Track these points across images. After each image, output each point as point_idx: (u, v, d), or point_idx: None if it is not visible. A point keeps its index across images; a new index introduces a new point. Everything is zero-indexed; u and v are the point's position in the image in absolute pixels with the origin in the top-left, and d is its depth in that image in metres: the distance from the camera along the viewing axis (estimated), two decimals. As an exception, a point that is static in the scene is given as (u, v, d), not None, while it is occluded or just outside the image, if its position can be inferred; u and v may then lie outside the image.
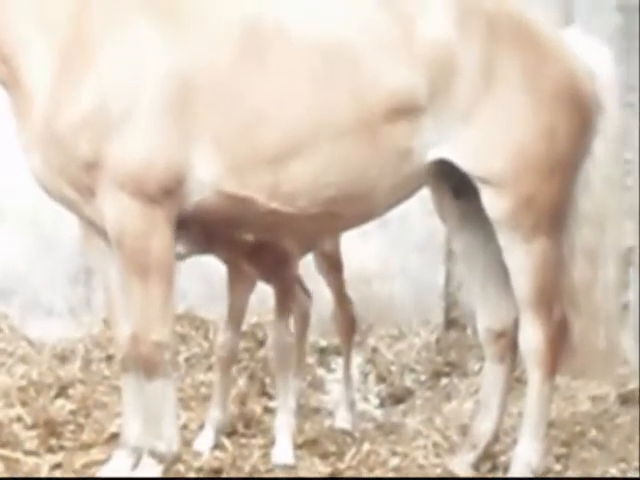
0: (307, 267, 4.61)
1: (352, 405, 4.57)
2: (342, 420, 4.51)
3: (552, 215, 3.77)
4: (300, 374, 4.55)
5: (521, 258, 3.75)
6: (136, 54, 3.52)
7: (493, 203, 3.73)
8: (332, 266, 4.54)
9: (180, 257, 3.74)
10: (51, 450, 4.06)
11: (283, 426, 4.06)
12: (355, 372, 5.14)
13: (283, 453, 4.01)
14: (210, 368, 4.73)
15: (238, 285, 4.14)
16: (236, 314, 4.17)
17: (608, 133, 3.82)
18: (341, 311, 4.60)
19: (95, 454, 3.99)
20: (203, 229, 3.75)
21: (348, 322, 4.62)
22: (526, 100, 3.70)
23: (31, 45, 3.53)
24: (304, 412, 4.60)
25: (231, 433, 4.17)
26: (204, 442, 4.13)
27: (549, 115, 3.71)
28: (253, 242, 3.97)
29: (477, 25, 3.68)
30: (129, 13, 3.54)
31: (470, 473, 4.00)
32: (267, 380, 4.82)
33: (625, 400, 4.74)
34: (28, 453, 4.00)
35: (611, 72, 3.85)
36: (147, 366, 3.63)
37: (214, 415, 4.20)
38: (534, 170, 3.71)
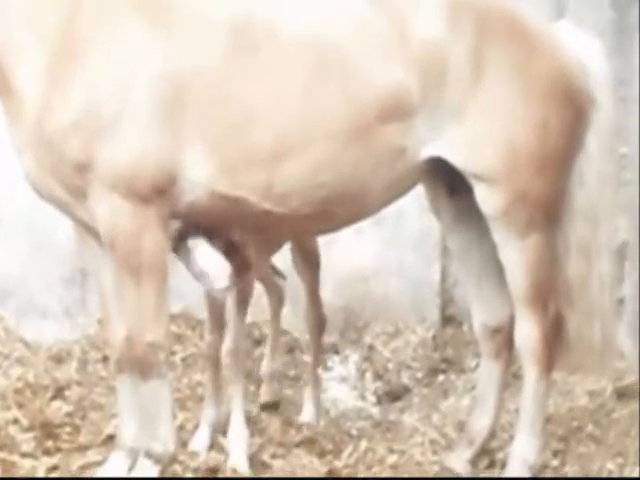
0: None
1: (318, 401, 4.56)
2: (307, 414, 4.50)
3: (546, 210, 3.76)
4: (276, 356, 4.56)
5: (515, 254, 3.75)
6: (126, 55, 3.51)
7: (486, 199, 3.72)
8: (309, 263, 4.53)
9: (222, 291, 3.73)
10: (48, 452, 4.06)
11: (236, 437, 3.97)
12: (352, 370, 5.14)
13: (238, 465, 3.92)
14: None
15: None
16: (216, 313, 4.16)
17: (601, 127, 3.81)
18: (312, 309, 4.57)
19: (92, 456, 3.99)
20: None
21: (318, 321, 4.59)
22: (518, 95, 3.69)
23: (21, 47, 3.52)
24: (299, 410, 4.60)
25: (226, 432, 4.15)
26: (199, 442, 4.13)
27: (541, 110, 3.70)
28: (224, 241, 3.96)
29: (468, 23, 3.67)
30: (120, 15, 3.53)
31: (467, 469, 4.00)
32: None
33: (622, 395, 4.73)
34: (25, 455, 3.99)
35: (603, 66, 3.84)
36: (142, 367, 3.62)
37: (208, 415, 4.19)
38: (527, 165, 3.70)
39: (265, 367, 4.66)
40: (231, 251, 3.93)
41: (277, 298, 4.63)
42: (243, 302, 4.10)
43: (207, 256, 3.68)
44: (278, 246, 4.44)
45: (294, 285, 4.70)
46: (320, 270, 4.57)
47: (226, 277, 3.67)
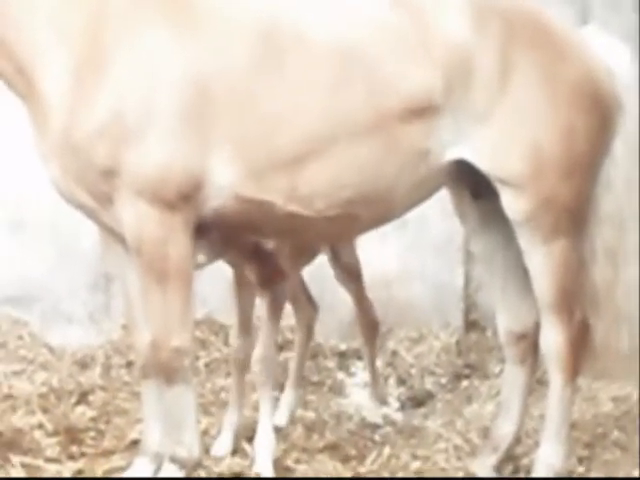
0: (324, 271, 4.62)
1: (381, 402, 4.60)
2: (374, 416, 4.53)
3: (572, 216, 3.75)
4: (298, 385, 4.52)
5: (541, 259, 3.73)
6: (152, 60, 3.52)
7: (512, 204, 3.71)
8: (351, 275, 4.58)
9: (200, 266, 3.73)
10: (72, 457, 4.06)
11: (263, 444, 3.97)
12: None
13: (263, 471, 3.91)
14: (230, 373, 4.72)
15: (245, 289, 4.14)
16: (245, 317, 4.17)
17: (628, 132, 3.79)
18: (364, 316, 4.61)
19: (116, 460, 3.99)
20: (222, 235, 3.75)
21: (371, 326, 4.63)
22: (544, 100, 3.68)
23: (47, 54, 3.53)
24: (323, 417, 4.59)
25: (251, 438, 4.16)
26: (221, 447, 4.13)
27: (568, 115, 3.68)
28: (254, 248, 3.98)
29: (493, 25, 3.66)
30: (145, 19, 3.54)
31: (492, 476, 3.98)
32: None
33: (648, 401, 4.70)
34: (49, 460, 4.00)
35: (630, 70, 3.82)
36: (167, 372, 3.62)
37: (231, 420, 4.19)
38: (553, 170, 3.69)
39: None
40: (263, 259, 3.94)
41: (307, 327, 4.54)
42: (276, 310, 4.09)
43: None
44: (311, 256, 4.43)
45: (317, 291, 4.70)
46: (362, 278, 4.57)
47: (201, 256, 3.67)
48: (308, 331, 4.56)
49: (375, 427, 4.56)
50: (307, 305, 4.55)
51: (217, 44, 3.56)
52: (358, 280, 4.59)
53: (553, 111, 3.68)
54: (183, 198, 3.53)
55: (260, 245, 3.98)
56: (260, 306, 4.17)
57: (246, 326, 4.18)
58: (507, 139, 3.66)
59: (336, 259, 4.56)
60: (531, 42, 3.69)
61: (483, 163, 3.69)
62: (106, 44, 3.52)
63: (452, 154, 3.69)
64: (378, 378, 4.72)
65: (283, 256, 4.07)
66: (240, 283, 4.14)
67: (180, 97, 3.51)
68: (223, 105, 3.53)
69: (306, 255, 4.39)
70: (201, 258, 3.73)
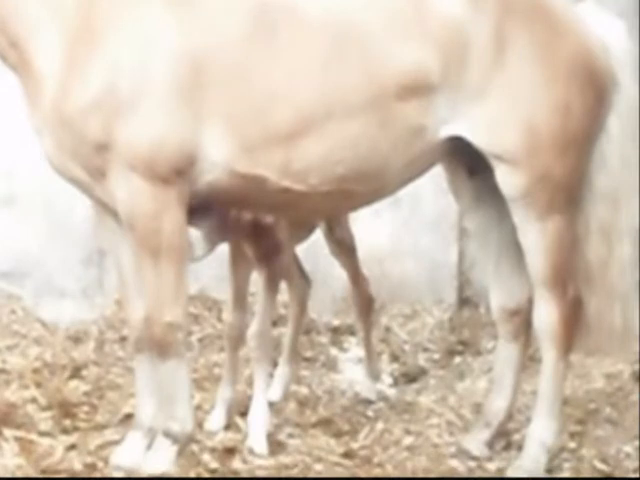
0: (318, 247, 4.62)
1: (375, 378, 4.62)
2: (367, 392, 4.55)
3: (567, 192, 3.74)
4: (291, 361, 4.52)
5: (535, 236, 3.73)
6: (145, 34, 3.50)
7: (507, 180, 3.71)
8: (345, 250, 4.57)
9: (200, 257, 3.73)
10: (65, 431, 4.07)
11: (257, 419, 3.99)
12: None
13: (256, 446, 3.93)
14: (223, 349, 4.73)
15: (241, 265, 4.13)
16: (240, 293, 4.17)
17: (623, 109, 3.78)
18: (358, 291, 4.62)
19: (109, 435, 4.01)
20: (220, 220, 3.74)
21: (366, 301, 4.63)
22: (540, 76, 3.67)
23: (40, 27, 3.51)
24: (317, 392, 4.61)
25: (244, 413, 4.17)
26: (215, 422, 4.14)
27: (563, 91, 3.68)
28: (253, 223, 3.97)
29: (490, 2, 3.65)
30: (138, -7, 3.52)
31: (484, 451, 4.00)
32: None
33: (640, 377, 4.72)
34: (43, 434, 4.01)
35: (626, 47, 3.81)
36: (160, 347, 3.63)
37: (225, 395, 4.20)
38: (548, 147, 3.68)
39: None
40: (261, 234, 3.94)
41: (300, 302, 4.53)
42: (272, 285, 4.09)
43: None
44: (307, 233, 4.43)
45: (310, 266, 4.70)
46: (356, 253, 4.57)
47: (199, 246, 3.67)
48: (301, 306, 4.56)
49: (368, 403, 4.57)
50: (300, 280, 4.55)
51: (211, 19, 3.54)
52: (352, 255, 4.58)
53: (548, 87, 3.67)
54: (176, 172, 3.52)
55: (258, 220, 3.98)
56: (255, 282, 4.18)
57: (241, 302, 4.18)
58: (503, 115, 3.65)
59: (330, 233, 4.55)
60: (526, 19, 3.68)
61: (478, 139, 3.68)
62: (99, 17, 3.50)
63: (447, 131, 3.68)
64: (372, 354, 4.73)
65: (280, 231, 4.06)
66: (235, 258, 4.14)
67: (173, 72, 3.49)
68: (217, 80, 3.51)
69: (302, 230, 4.38)
70: (198, 249, 3.72)
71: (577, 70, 3.70)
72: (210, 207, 3.69)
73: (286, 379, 4.48)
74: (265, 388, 4.08)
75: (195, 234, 3.67)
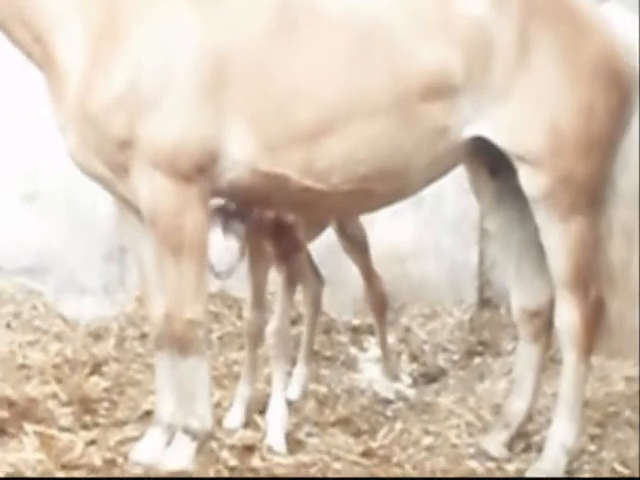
0: (338, 246, 4.62)
1: (392, 377, 4.62)
2: (386, 391, 4.54)
3: (589, 194, 3.73)
4: (309, 360, 4.53)
5: (557, 237, 3.72)
6: (169, 32, 3.51)
7: (530, 181, 3.69)
8: (357, 247, 4.56)
9: (224, 273, 3.73)
10: (85, 427, 4.09)
11: (275, 417, 3.99)
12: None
13: (275, 444, 3.93)
14: (243, 347, 4.75)
15: (259, 263, 4.14)
16: (259, 292, 4.18)
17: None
18: (371, 289, 4.61)
19: (129, 431, 4.02)
20: (249, 227, 3.76)
21: (379, 299, 4.63)
22: (564, 77, 3.65)
23: (65, 24, 3.53)
24: (336, 391, 4.61)
25: (263, 411, 4.18)
26: (234, 420, 4.15)
27: (587, 92, 3.66)
28: (275, 222, 3.97)
29: (514, 2, 3.64)
30: (162, -10, 3.53)
31: (503, 452, 3.99)
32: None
33: (661, 381, 4.69)
34: (63, 429, 4.03)
35: (650, 48, 3.79)
36: (181, 344, 3.64)
37: (243, 393, 4.21)
38: (571, 148, 3.67)
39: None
40: (282, 233, 3.94)
41: (314, 301, 4.55)
42: (292, 283, 4.10)
43: (211, 239, 3.68)
44: (320, 229, 4.43)
45: (331, 266, 4.70)
46: (369, 250, 4.57)
47: (227, 261, 3.67)
48: (316, 305, 4.56)
49: (387, 402, 4.57)
50: (314, 279, 4.55)
51: (234, 17, 3.54)
52: (364, 252, 4.56)
53: (572, 88, 3.66)
54: (198, 170, 3.53)
55: (280, 219, 3.98)
56: (274, 280, 4.18)
57: (259, 300, 4.19)
58: (526, 116, 3.64)
59: (342, 230, 4.54)
60: (550, 19, 3.67)
61: (502, 140, 3.68)
62: (123, 14, 3.52)
63: (470, 131, 3.67)
64: (389, 352, 4.73)
65: (299, 229, 4.06)
66: (254, 257, 4.15)
67: (196, 69, 3.50)
68: (239, 78, 3.52)
69: (315, 228, 4.38)
70: (221, 265, 3.72)
71: (601, 71, 3.69)
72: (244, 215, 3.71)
73: (304, 378, 4.48)
74: (284, 386, 4.08)
75: (217, 251, 3.67)
